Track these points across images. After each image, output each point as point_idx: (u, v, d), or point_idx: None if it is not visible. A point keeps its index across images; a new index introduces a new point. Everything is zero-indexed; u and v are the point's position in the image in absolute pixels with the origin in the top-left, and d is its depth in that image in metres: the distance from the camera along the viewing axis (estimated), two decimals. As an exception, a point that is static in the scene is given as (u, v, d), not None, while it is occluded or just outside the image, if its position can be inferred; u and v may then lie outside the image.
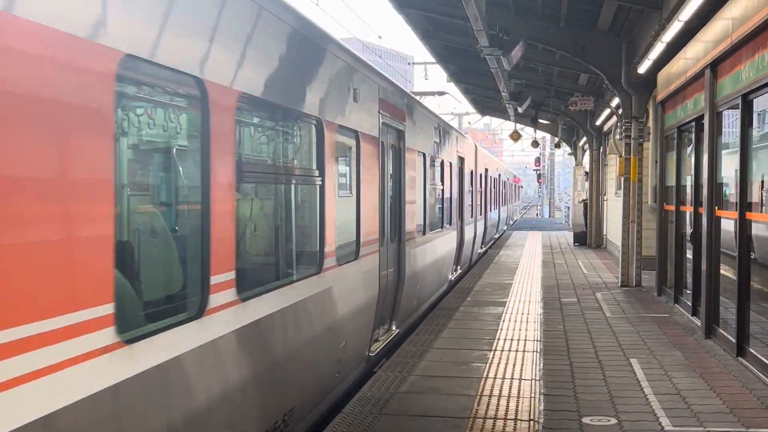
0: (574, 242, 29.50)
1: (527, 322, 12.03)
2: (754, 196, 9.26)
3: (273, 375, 6.02)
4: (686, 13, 10.35)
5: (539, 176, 71.00)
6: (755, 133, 9.29)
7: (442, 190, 15.89)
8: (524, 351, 9.90)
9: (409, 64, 57.09)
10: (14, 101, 3.20)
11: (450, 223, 16.76)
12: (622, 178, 17.08)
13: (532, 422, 6.97)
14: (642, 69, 14.36)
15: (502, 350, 9.94)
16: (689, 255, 12.74)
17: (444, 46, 21.40)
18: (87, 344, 3.64)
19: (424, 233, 13.20)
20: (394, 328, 10.97)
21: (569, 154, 42.27)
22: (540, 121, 29.70)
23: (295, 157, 7.31)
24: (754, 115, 9.27)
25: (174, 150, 5.09)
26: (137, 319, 4.38)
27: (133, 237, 4.69)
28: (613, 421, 7.10)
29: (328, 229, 7.52)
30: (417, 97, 13.45)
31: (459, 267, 18.92)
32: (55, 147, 3.46)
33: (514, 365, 9.11)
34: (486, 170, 26.83)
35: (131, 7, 4.05)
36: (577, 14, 15.91)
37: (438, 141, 15.02)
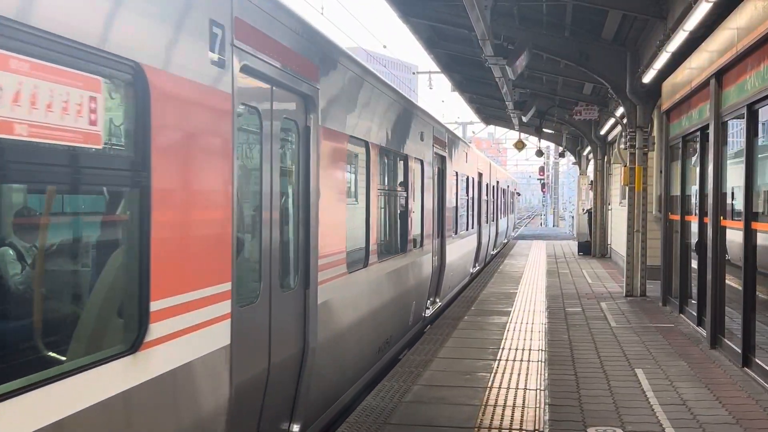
0: (579, 251, 29.45)
1: (532, 331, 12.00)
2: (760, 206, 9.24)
3: (384, 310, 10.09)
4: (691, 23, 10.34)
5: (543, 185, 70.95)
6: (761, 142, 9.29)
7: (467, 200, 19.71)
8: (529, 361, 9.88)
9: (413, 73, 57.19)
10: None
11: (473, 227, 20.75)
12: (627, 188, 17.05)
13: (537, 432, 6.94)
14: (647, 78, 14.35)
15: (507, 360, 9.92)
16: (694, 265, 12.72)
17: (448, 56, 21.42)
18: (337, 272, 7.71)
19: (456, 233, 16.83)
20: (438, 300, 14.73)
21: (573, 163, 42.24)
22: (544, 130, 29.69)
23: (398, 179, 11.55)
24: (760, 125, 9.26)
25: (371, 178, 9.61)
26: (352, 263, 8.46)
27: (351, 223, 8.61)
28: (619, 431, 7.08)
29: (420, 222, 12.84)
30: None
31: (478, 263, 22.50)
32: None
33: (519, 375, 9.09)
34: (497, 182, 30.00)
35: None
36: (581, 23, 15.92)
37: (466, 162, 18.97)
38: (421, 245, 12.46)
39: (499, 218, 30.83)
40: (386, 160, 10.33)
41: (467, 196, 19.57)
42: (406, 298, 11.24)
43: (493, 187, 28.07)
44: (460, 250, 17.56)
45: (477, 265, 22.27)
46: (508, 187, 38.06)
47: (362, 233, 8.95)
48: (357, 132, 8.39)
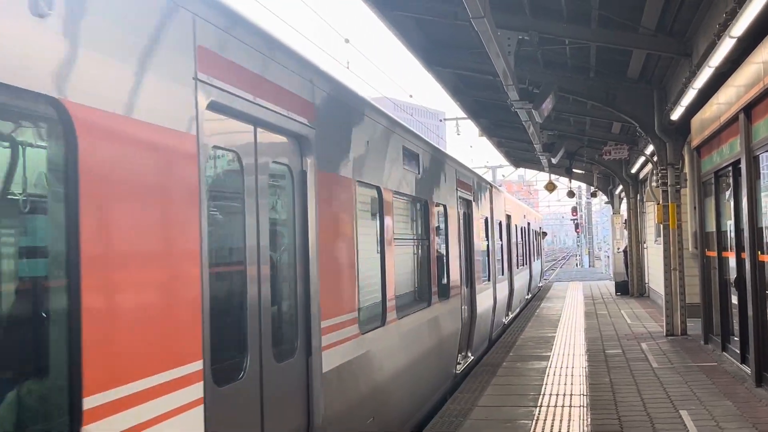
0: (616, 292, 29.15)
1: (572, 375, 11.85)
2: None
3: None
4: (716, 59, 10.33)
5: (577, 226, 70.56)
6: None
7: (441, 248, 11.86)
8: (571, 406, 9.74)
9: (440, 120, 57.53)
10: None
11: (444, 295, 11.52)
12: (662, 226, 16.91)
13: (582, 480, 6.81)
14: (675, 116, 14.32)
15: (549, 406, 9.79)
16: (735, 301, 12.52)
17: (474, 101, 21.55)
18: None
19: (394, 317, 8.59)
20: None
21: (606, 202, 41.97)
22: (574, 170, 29.63)
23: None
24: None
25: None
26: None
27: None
28: (666, 476, 6.93)
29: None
30: None
31: (470, 352, 13.86)
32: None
33: (561, 421, 8.96)
34: (509, 217, 21.98)
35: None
36: (606, 64, 15.97)
37: (444, 179, 12.10)
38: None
39: (514, 270, 21.65)
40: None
41: (438, 238, 11.38)
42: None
43: (500, 223, 19.40)
44: (398, 354, 8.57)
45: (470, 353, 13.69)
46: (528, 225, 28.49)
47: None
48: None
